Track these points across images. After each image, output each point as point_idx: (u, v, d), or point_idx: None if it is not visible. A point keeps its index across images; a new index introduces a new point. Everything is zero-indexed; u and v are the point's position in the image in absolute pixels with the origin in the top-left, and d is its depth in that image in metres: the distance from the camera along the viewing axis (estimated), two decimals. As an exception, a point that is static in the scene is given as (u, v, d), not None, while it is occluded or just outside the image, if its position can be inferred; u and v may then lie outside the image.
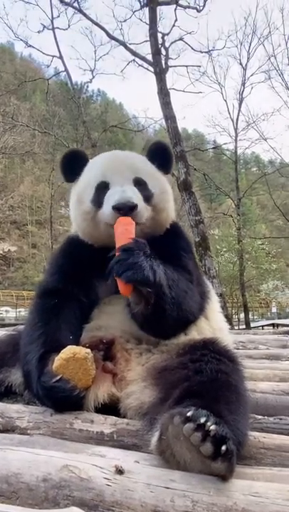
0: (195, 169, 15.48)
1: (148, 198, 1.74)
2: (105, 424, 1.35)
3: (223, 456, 0.96)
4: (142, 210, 1.66)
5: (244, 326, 17.95)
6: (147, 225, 1.73)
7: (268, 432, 1.39)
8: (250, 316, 23.27)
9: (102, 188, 1.72)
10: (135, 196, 1.65)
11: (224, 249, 23.41)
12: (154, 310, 1.46)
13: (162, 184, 1.88)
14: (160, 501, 0.90)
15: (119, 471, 0.96)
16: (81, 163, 1.88)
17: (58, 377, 1.44)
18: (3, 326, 11.24)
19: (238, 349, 3.25)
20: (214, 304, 1.95)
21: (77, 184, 1.85)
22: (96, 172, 1.79)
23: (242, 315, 22.30)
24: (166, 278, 1.48)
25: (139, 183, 1.75)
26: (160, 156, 1.93)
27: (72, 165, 1.87)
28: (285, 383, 2.04)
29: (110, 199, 1.64)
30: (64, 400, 1.42)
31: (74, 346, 1.50)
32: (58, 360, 1.46)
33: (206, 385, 1.25)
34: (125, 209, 1.60)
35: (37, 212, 38.46)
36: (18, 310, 25.10)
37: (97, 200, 1.71)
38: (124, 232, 1.55)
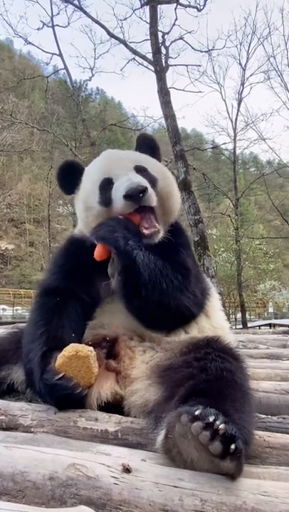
0: (194, 169, 15.47)
1: (153, 182, 1.74)
2: (110, 422, 1.34)
3: (232, 454, 0.95)
4: (151, 194, 1.66)
5: (241, 326, 17.97)
6: (159, 212, 1.73)
7: (271, 431, 1.39)
8: (247, 316, 23.29)
9: (106, 184, 1.71)
10: (143, 180, 1.65)
11: (222, 249, 23.42)
12: (128, 286, 1.53)
13: (162, 169, 1.90)
14: (169, 500, 0.89)
15: (127, 470, 0.95)
16: (77, 173, 1.87)
17: (61, 375, 1.43)
18: (0, 324, 11.20)
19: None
20: (215, 302, 1.94)
21: (80, 193, 1.83)
22: (96, 174, 1.78)
23: (239, 315, 22.33)
24: (147, 260, 1.52)
25: (141, 170, 1.75)
26: (148, 147, 1.96)
27: (69, 176, 1.86)
28: (286, 382, 2.04)
29: (119, 190, 1.63)
30: (66, 397, 1.41)
31: (77, 344, 1.49)
32: (61, 357, 1.45)
33: (211, 383, 1.24)
34: (136, 194, 1.59)
35: (35, 210, 38.32)
36: (15, 308, 25.01)
37: (105, 199, 1.70)
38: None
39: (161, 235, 1.67)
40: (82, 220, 1.83)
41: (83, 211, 1.79)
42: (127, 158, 1.82)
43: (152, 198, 1.66)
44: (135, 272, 1.50)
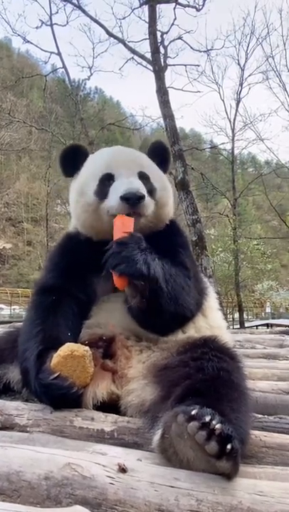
0: (192, 168, 15.47)
1: (151, 192, 1.76)
2: (106, 422, 1.33)
3: (228, 454, 0.95)
4: (148, 202, 1.67)
5: (238, 326, 18.00)
6: (150, 219, 1.74)
7: (268, 430, 1.38)
8: (245, 316, 23.35)
9: (107, 179, 1.72)
10: (142, 188, 1.66)
11: (220, 249, 23.47)
12: (150, 304, 1.47)
13: (164, 181, 1.91)
14: (164, 500, 0.89)
15: (122, 470, 0.95)
16: (82, 158, 1.88)
17: (56, 375, 1.42)
18: (-2, 323, 11.17)
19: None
20: (212, 302, 1.95)
21: (79, 177, 1.84)
22: (100, 164, 1.79)
23: (236, 315, 22.37)
24: (163, 272, 1.49)
25: (143, 177, 1.76)
26: (160, 155, 1.98)
27: (73, 159, 1.87)
28: (283, 382, 2.04)
29: (118, 190, 1.64)
30: (62, 397, 1.41)
31: (72, 344, 1.48)
32: (56, 357, 1.45)
33: (208, 383, 1.24)
34: (133, 199, 1.60)
35: (32, 209, 38.26)
36: (12, 307, 24.98)
37: (101, 192, 1.70)
38: (121, 226, 1.57)
39: (141, 224, 1.67)
40: (74, 204, 1.83)
41: (77, 195, 1.80)
42: (133, 161, 1.83)
43: (147, 208, 1.68)
44: (157, 290, 1.46)
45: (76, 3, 15.47)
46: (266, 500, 0.88)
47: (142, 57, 14.25)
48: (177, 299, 1.53)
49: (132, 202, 1.60)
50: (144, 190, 1.66)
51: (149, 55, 13.17)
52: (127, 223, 1.59)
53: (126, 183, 1.64)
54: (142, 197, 1.62)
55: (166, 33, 14.60)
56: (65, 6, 15.73)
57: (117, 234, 1.55)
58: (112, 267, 1.42)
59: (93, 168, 1.80)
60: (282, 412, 1.67)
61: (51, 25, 16.01)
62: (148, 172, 1.80)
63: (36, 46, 18.42)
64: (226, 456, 0.95)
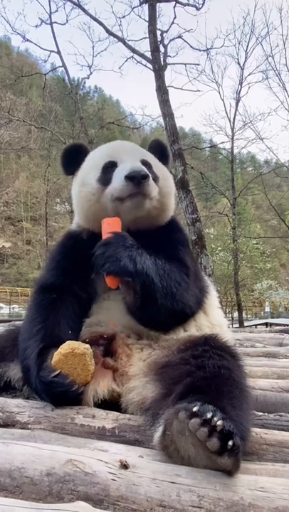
0: (192, 168, 15.46)
1: (154, 179, 1.77)
2: (107, 419, 1.34)
3: (229, 451, 0.95)
4: (152, 183, 1.68)
5: (238, 325, 18.01)
6: (154, 205, 1.74)
7: (268, 428, 1.39)
8: (244, 315, 23.37)
9: (110, 166, 1.73)
10: (146, 170, 1.67)
11: (219, 249, 23.47)
12: (145, 299, 1.49)
13: (165, 171, 1.94)
14: (166, 496, 0.89)
15: (124, 466, 0.95)
16: (83, 156, 1.89)
17: (57, 372, 1.43)
18: (-3, 322, 11.14)
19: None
20: (213, 299, 1.95)
21: (80, 171, 1.85)
22: (101, 155, 1.81)
23: (235, 314, 22.39)
24: (156, 268, 1.50)
25: (146, 164, 1.78)
26: (159, 152, 1.99)
27: (74, 158, 1.88)
28: (283, 380, 2.05)
29: (122, 171, 1.65)
30: (62, 395, 1.41)
31: (73, 341, 1.49)
32: (57, 355, 1.45)
33: (209, 380, 1.24)
34: (138, 178, 1.61)
35: (32, 208, 38.27)
36: (11, 306, 25.00)
37: (104, 178, 1.71)
38: (107, 227, 1.58)
39: (147, 205, 1.67)
40: (77, 197, 1.83)
41: (79, 186, 1.80)
42: (135, 149, 1.88)
43: (152, 188, 1.68)
44: (150, 284, 1.47)
45: (76, 1, 15.43)
46: (267, 496, 0.89)
47: (142, 56, 14.22)
48: (174, 294, 1.54)
49: (136, 181, 1.61)
50: (147, 172, 1.66)
51: (148, 54, 13.12)
52: (113, 224, 1.60)
53: (130, 165, 1.65)
54: (147, 175, 1.63)
55: (166, 31, 14.58)
56: (64, 4, 15.69)
57: (104, 236, 1.56)
58: (99, 268, 1.46)
59: (94, 159, 1.82)
60: (282, 410, 1.68)
61: (51, 23, 15.98)
62: (150, 160, 1.83)
63: (36, 45, 18.46)
64: (227, 452, 0.96)
